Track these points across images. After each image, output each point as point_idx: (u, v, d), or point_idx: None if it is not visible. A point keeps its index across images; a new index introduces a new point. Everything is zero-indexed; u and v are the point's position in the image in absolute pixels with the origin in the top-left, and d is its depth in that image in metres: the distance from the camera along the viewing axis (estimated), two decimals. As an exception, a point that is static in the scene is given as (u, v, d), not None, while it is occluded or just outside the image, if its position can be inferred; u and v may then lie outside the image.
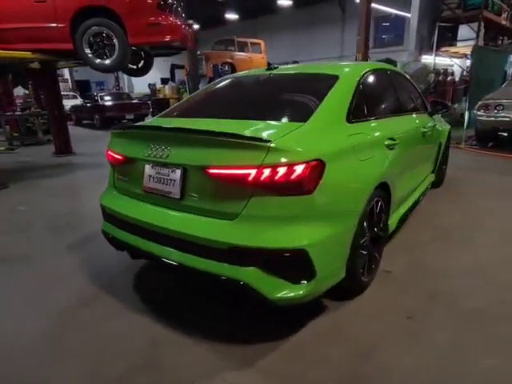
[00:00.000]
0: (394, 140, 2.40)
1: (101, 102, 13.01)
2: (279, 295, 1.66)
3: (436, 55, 10.44)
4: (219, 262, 1.68)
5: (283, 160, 1.59)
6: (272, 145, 1.58)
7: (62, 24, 4.94)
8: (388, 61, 9.89)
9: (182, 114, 2.41)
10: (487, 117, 6.22)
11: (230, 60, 14.94)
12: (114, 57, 5.10)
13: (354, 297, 2.19)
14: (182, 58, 15.80)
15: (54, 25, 4.95)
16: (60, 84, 20.31)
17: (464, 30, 11.28)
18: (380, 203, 2.27)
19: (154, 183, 1.93)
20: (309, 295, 1.72)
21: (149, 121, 2.33)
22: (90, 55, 5.08)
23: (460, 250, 2.80)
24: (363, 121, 2.21)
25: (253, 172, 1.58)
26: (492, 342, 1.80)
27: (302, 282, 1.69)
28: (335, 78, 2.24)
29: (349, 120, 2.07)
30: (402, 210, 2.86)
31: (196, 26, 23.47)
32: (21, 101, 10.30)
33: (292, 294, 1.67)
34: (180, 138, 1.82)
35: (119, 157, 2.11)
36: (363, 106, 2.28)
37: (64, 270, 2.66)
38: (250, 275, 1.63)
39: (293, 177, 1.59)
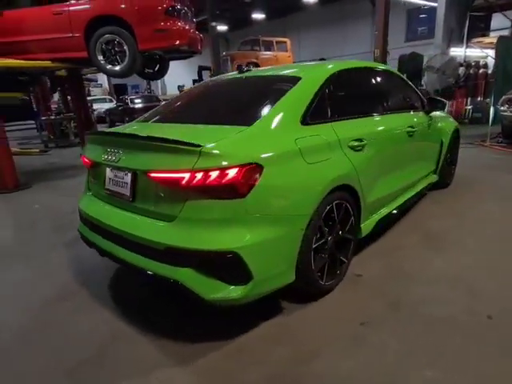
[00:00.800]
0: (362, 141, 2.34)
1: (130, 105, 13.66)
2: (215, 296, 1.70)
3: (467, 47, 9.81)
4: (160, 263, 1.75)
5: (215, 164, 1.62)
6: (203, 149, 1.62)
7: (77, 34, 5.26)
8: (413, 55, 9.47)
9: (153, 119, 2.50)
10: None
11: (255, 60, 15.01)
12: (125, 63, 5.35)
13: (314, 300, 2.17)
14: (209, 60, 16.18)
15: (70, 35, 5.28)
16: (95, 89, 21.32)
17: (499, 19, 10.50)
18: (344, 206, 2.22)
19: (113, 185, 2.05)
20: (246, 297, 1.73)
21: (125, 125, 2.45)
22: (102, 62, 5.37)
23: (444, 256, 2.65)
24: (323, 122, 2.18)
25: (186, 176, 1.63)
26: (441, 354, 1.71)
27: (239, 283, 1.71)
28: (297, 79, 2.23)
29: (305, 122, 2.05)
30: (383, 212, 2.77)
31: (224, 28, 23.87)
32: (55, 106, 11.09)
33: (228, 296, 1.70)
34: (128, 144, 1.91)
35: (88, 161, 2.25)
36: (326, 107, 2.25)
37: (54, 265, 2.86)
38: (186, 275, 1.69)
39: (224, 180, 1.62)
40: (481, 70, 9.49)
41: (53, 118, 10.12)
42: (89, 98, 18.24)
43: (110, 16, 5.14)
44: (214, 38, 15.46)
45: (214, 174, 1.62)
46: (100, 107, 17.09)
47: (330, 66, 2.47)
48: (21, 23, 5.38)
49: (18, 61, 5.40)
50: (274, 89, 2.21)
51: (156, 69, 6.98)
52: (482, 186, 4.30)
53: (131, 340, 1.94)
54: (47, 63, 5.54)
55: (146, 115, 2.63)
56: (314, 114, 2.13)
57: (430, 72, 8.82)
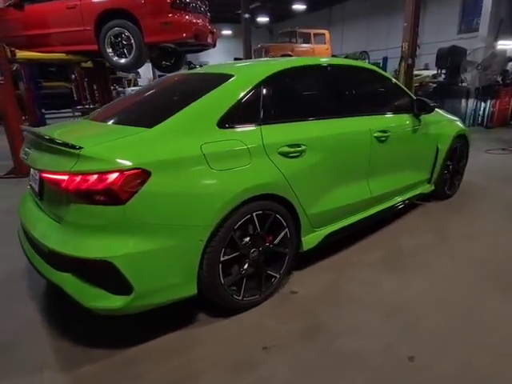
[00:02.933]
0: (300, 146, 2.12)
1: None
2: (94, 304, 1.63)
3: (519, 40, 8.69)
4: (47, 265, 1.72)
5: (93, 168, 1.54)
6: (81, 152, 1.55)
7: (88, 27, 5.43)
8: (453, 48, 8.63)
9: (94, 117, 2.43)
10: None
11: (290, 52, 14.63)
12: (131, 56, 5.44)
13: (233, 315, 2.03)
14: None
15: (82, 28, 5.47)
16: (136, 80, 22.13)
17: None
18: (273, 217, 2.04)
19: (32, 181, 2.05)
20: (129, 308, 1.65)
21: (69, 121, 2.45)
22: (110, 54, 5.51)
23: (399, 279, 2.35)
24: (250, 126, 2.00)
25: (65, 178, 1.57)
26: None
27: (120, 294, 1.63)
28: (228, 78, 2.07)
29: (223, 125, 1.89)
30: (338, 225, 2.51)
31: (266, 19, 23.56)
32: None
33: (108, 305, 1.63)
34: (34, 142, 1.89)
35: (23, 157, 2.28)
36: (259, 109, 2.05)
37: (17, 251, 2.97)
38: (66, 281, 1.64)
39: (102, 185, 1.54)
40: (533, 66, 8.40)
41: (87, 107, 10.68)
42: (133, 88, 19.22)
43: (118, 9, 5.23)
44: (246, 30, 15.28)
45: (92, 178, 1.54)
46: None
47: (272, 64, 2.26)
48: (39, 17, 5.66)
49: (38, 53, 5.72)
50: (201, 87, 2.04)
51: (172, 61, 7.09)
52: (491, 201, 3.78)
53: (36, 338, 1.93)
54: (61, 56, 5.80)
55: (94, 112, 2.61)
56: (239, 117, 1.97)
57: (470, 68, 7.97)
